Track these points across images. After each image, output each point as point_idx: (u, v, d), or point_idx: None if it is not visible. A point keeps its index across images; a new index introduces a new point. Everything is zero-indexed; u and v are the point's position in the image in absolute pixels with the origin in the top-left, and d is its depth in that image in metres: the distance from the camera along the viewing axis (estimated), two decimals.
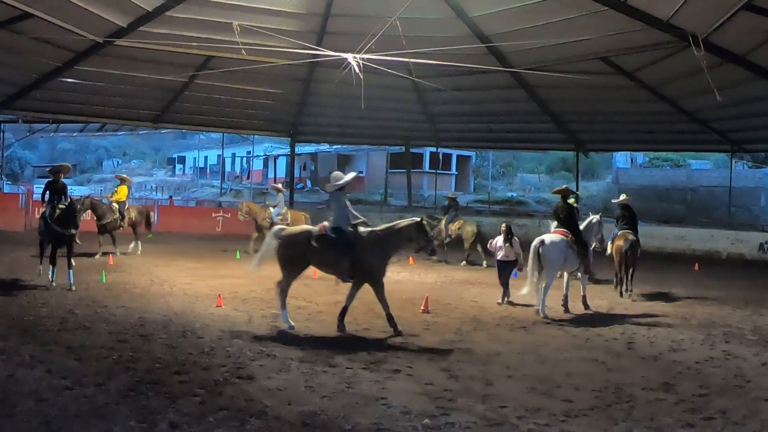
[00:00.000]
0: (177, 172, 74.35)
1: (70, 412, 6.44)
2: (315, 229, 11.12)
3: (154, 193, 55.81)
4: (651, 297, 15.33)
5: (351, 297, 10.93)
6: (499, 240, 14.19)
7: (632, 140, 32.32)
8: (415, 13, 18.88)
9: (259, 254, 11.36)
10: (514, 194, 47.58)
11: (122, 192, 20.08)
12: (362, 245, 10.78)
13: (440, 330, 10.86)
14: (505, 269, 14.01)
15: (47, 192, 14.72)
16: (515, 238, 14.16)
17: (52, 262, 13.79)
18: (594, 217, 14.54)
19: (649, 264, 21.19)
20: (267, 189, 52.08)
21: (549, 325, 11.34)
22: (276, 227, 11.75)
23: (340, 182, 11.21)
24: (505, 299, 13.84)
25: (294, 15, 21.31)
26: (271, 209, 22.05)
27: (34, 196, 27.31)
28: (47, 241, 13.98)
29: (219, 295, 12.64)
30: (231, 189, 52.94)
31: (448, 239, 21.65)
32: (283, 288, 10.90)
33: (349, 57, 15.27)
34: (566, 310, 13.05)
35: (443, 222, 21.86)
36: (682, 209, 39.08)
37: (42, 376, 7.52)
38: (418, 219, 11.25)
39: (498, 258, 14.21)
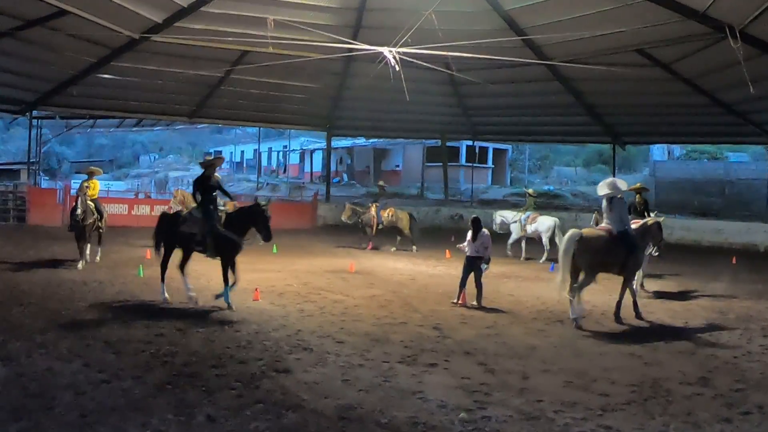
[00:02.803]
0: None
1: (108, 406, 6.50)
2: (603, 232, 11.64)
3: (190, 188, 56.09)
4: (687, 290, 15.16)
5: (633, 290, 12.12)
6: (469, 234, 12.85)
7: (669, 132, 32.07)
8: (450, 6, 18.90)
9: (560, 263, 11.38)
10: (551, 187, 47.08)
11: (95, 187, 17.15)
12: (636, 243, 11.84)
13: (477, 323, 10.82)
14: (471, 265, 12.66)
15: (199, 190, 12.42)
16: (484, 231, 12.82)
17: (186, 273, 12.49)
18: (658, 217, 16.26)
19: (685, 257, 21.03)
20: (303, 183, 52.26)
21: (584, 319, 11.25)
22: (573, 231, 11.44)
23: (623, 189, 12.15)
24: (461, 299, 12.61)
25: (329, 9, 21.45)
26: None
27: (72, 191, 27.68)
28: (215, 254, 12.19)
29: (256, 289, 12.73)
30: (267, 183, 53.11)
31: (380, 226, 22.31)
32: (583, 285, 11.35)
33: (385, 51, 15.25)
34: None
35: (373, 209, 22.48)
36: (719, 202, 38.53)
37: (80, 370, 7.60)
38: (660, 219, 13.27)
39: (467, 254, 12.79)
